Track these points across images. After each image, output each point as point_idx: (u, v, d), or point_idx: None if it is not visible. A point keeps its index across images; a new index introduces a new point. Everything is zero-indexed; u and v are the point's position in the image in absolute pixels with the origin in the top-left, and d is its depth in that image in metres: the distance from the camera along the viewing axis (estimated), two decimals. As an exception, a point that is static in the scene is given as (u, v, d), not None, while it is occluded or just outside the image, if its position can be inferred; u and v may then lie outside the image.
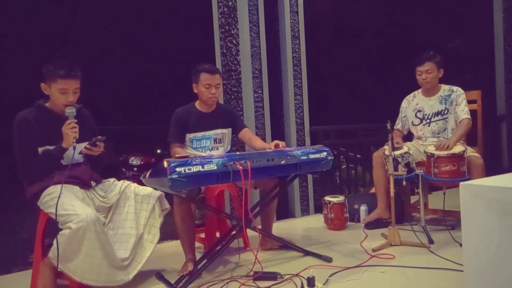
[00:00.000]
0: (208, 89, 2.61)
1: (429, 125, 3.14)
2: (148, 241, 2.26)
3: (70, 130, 2.02)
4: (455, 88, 3.12)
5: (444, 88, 3.14)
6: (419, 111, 3.20)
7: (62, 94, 2.10)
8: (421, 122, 3.18)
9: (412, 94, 3.30)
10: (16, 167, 2.11)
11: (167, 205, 2.36)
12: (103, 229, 2.06)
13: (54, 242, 1.92)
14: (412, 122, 3.24)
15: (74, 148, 2.03)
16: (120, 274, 2.10)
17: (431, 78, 3.06)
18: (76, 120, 2.06)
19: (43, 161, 2.09)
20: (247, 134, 2.81)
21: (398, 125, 3.34)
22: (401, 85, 3.58)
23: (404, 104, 3.33)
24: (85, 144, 2.12)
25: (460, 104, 3.04)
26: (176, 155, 2.21)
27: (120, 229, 2.23)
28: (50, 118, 2.14)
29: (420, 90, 3.24)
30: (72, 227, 1.90)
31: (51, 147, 2.10)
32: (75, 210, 1.96)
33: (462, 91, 3.09)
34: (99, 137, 2.13)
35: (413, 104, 3.25)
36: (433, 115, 3.13)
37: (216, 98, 2.68)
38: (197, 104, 2.74)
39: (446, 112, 3.09)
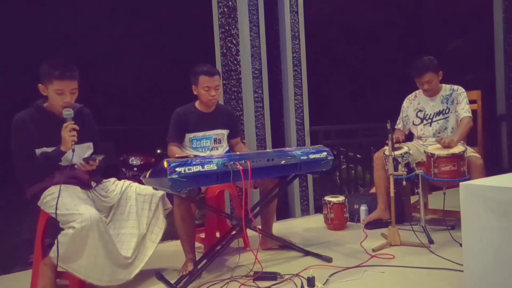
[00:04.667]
0: (208, 91, 2.61)
1: (430, 125, 3.14)
2: (150, 240, 2.26)
3: (68, 134, 2.00)
4: (456, 87, 3.12)
5: (445, 88, 3.14)
6: (420, 110, 3.20)
7: (58, 95, 2.07)
8: (422, 122, 3.18)
9: (413, 93, 3.30)
10: (14, 169, 2.11)
11: (169, 205, 2.36)
12: (106, 228, 2.06)
13: (55, 242, 1.92)
14: (413, 122, 3.24)
15: (73, 150, 2.02)
16: (123, 273, 2.10)
17: (432, 86, 3.06)
18: (73, 122, 2.04)
19: (41, 164, 2.08)
20: (235, 141, 2.87)
21: (399, 124, 3.33)
22: (401, 85, 3.58)
23: (405, 103, 3.33)
24: (84, 145, 2.12)
25: (461, 102, 3.04)
26: (176, 155, 2.21)
27: (122, 229, 2.23)
28: (48, 119, 2.13)
29: (421, 90, 3.23)
30: (75, 226, 1.90)
31: (49, 149, 2.08)
32: (78, 209, 1.95)
33: (463, 90, 3.09)
34: (96, 156, 2.12)
35: (414, 104, 3.25)
36: (434, 115, 3.13)
37: (216, 99, 2.68)
38: (197, 104, 2.74)
39: (447, 111, 3.09)
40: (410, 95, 3.32)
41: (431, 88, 3.07)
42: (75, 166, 2.10)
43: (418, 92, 3.26)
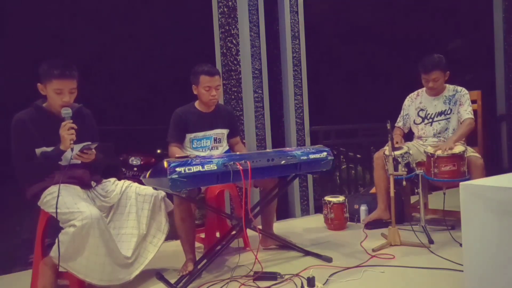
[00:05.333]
0: (208, 91, 2.61)
1: (431, 125, 3.14)
2: (152, 244, 2.26)
3: (67, 132, 2.00)
4: (459, 88, 3.12)
5: (449, 88, 3.14)
6: (421, 110, 3.20)
7: (57, 94, 2.07)
8: (423, 121, 3.18)
9: (416, 92, 3.30)
10: (14, 169, 2.11)
11: (171, 206, 2.36)
12: (107, 226, 2.06)
13: (56, 241, 1.92)
14: (414, 121, 3.24)
15: (72, 149, 2.02)
16: (123, 272, 2.10)
17: (438, 85, 3.07)
18: (71, 121, 2.04)
19: (41, 163, 2.08)
20: (235, 140, 2.88)
21: (400, 123, 3.33)
22: (401, 85, 3.58)
23: (407, 102, 3.32)
24: (83, 144, 2.11)
25: (463, 104, 3.04)
26: (176, 155, 2.20)
27: (122, 229, 2.24)
28: (47, 118, 2.13)
29: (424, 89, 3.23)
30: (76, 224, 1.90)
31: (49, 149, 2.09)
32: (78, 208, 1.96)
33: (466, 91, 3.10)
34: (88, 144, 2.11)
35: (416, 103, 3.24)
36: (436, 115, 3.13)
37: (217, 99, 2.68)
38: (197, 104, 2.74)
39: (449, 112, 3.09)
40: (412, 94, 3.32)
41: (436, 86, 3.07)
42: (72, 157, 2.10)
43: (421, 91, 3.26)
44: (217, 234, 2.78)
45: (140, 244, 2.23)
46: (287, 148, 2.44)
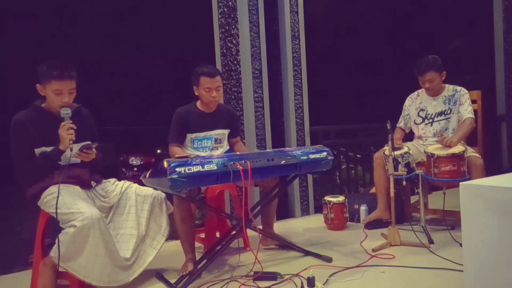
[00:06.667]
0: (209, 92, 2.61)
1: (431, 125, 3.14)
2: (151, 246, 2.27)
3: (66, 132, 2.00)
4: (458, 88, 3.12)
5: (448, 88, 3.14)
6: (421, 110, 3.20)
7: (57, 95, 2.07)
8: (423, 121, 3.18)
9: (416, 92, 3.30)
10: (14, 169, 2.10)
11: (171, 208, 2.36)
12: (107, 227, 2.07)
13: (56, 241, 1.92)
14: (414, 121, 3.24)
15: (71, 149, 2.02)
16: (122, 274, 2.10)
17: (435, 85, 3.07)
18: (71, 121, 2.04)
19: (40, 163, 2.08)
20: (235, 139, 2.88)
21: (401, 123, 3.34)
22: (402, 84, 3.58)
23: (407, 102, 3.33)
24: (82, 144, 2.11)
25: (463, 103, 3.05)
26: (176, 155, 2.20)
27: (121, 229, 2.24)
28: (46, 119, 2.13)
29: (424, 89, 3.23)
30: (76, 225, 1.90)
31: (48, 149, 2.09)
32: (79, 208, 1.96)
33: (466, 91, 3.10)
34: (87, 144, 2.11)
35: (416, 103, 3.25)
36: (436, 115, 3.13)
37: (217, 100, 2.68)
38: (198, 104, 2.74)
39: (449, 112, 3.09)
40: (412, 94, 3.32)
41: (432, 87, 3.07)
42: (72, 157, 2.09)
43: (421, 91, 3.26)
44: (217, 234, 2.78)
45: (139, 246, 2.23)
46: (287, 148, 2.44)
